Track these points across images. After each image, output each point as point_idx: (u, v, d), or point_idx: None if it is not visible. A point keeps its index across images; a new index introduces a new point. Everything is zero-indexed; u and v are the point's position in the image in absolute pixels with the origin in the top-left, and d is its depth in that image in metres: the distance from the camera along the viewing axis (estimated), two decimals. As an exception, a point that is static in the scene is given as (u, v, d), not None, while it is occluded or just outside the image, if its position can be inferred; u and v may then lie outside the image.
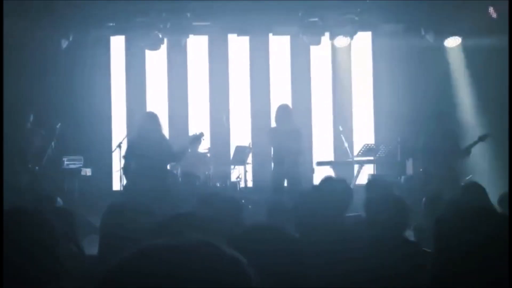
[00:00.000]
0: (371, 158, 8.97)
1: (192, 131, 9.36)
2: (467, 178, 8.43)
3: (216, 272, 1.02)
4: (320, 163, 9.29)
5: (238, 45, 10.27)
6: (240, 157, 9.04)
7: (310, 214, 3.25)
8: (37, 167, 7.62)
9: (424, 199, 4.66)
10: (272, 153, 8.12)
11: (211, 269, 1.02)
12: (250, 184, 9.19)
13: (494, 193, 5.02)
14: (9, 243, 1.78)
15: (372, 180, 5.92)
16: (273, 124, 8.24)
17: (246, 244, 1.78)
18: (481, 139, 7.74)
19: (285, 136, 7.73)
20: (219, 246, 1.06)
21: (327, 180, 4.60)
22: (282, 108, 8.14)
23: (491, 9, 8.71)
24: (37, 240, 1.82)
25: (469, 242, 1.63)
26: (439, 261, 1.68)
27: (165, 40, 9.75)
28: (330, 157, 9.86)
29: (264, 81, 10.28)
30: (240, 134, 9.99)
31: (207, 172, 8.95)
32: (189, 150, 8.64)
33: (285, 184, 7.92)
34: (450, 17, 9.28)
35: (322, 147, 10.15)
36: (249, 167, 9.23)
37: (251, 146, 9.08)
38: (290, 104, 8.89)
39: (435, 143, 7.67)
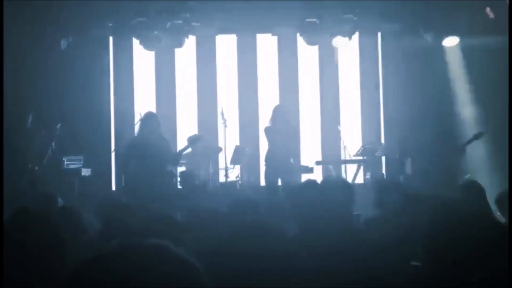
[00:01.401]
0: (370, 157, 8.99)
1: (192, 134, 9.42)
2: (466, 177, 8.46)
3: (167, 274, 1.07)
4: (319, 163, 9.32)
5: (241, 45, 10.29)
6: (238, 157, 9.08)
7: (314, 211, 3.27)
8: (37, 167, 7.64)
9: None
10: (266, 151, 8.10)
11: (162, 271, 1.07)
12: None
13: (491, 192, 5.03)
14: (15, 242, 1.80)
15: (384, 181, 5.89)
16: (267, 124, 8.22)
17: (238, 242, 1.80)
18: (476, 137, 7.77)
19: (282, 135, 7.75)
20: (173, 249, 1.12)
21: (328, 178, 4.64)
22: (279, 108, 8.18)
23: (488, 9, 8.76)
24: (43, 240, 1.83)
25: (463, 246, 1.64)
26: (433, 262, 1.70)
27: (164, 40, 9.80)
28: (318, 157, 9.85)
29: (263, 81, 10.31)
30: (228, 134, 9.97)
31: (206, 172, 9.00)
32: (190, 150, 8.70)
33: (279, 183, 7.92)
34: (448, 17, 9.32)
35: (312, 147, 10.13)
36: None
37: (247, 149, 9.16)
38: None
39: (432, 142, 7.71)
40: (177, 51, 10.10)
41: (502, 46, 8.41)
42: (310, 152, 9.90)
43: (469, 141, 7.78)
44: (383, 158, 9.54)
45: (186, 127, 9.94)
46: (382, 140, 9.93)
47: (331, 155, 9.69)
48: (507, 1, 8.34)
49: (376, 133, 10.06)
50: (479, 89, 9.44)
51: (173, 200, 7.03)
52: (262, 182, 8.99)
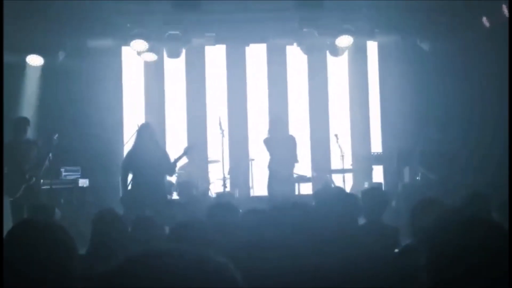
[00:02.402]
0: (368, 166, 9.00)
1: (189, 140, 9.43)
2: (463, 184, 8.45)
3: (202, 279, 1.04)
4: (317, 171, 9.31)
5: (237, 56, 10.32)
6: (237, 167, 9.10)
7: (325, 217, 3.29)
8: (34, 178, 7.61)
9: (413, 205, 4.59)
10: (269, 161, 8.13)
11: (197, 275, 1.04)
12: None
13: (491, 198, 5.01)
14: (23, 255, 1.78)
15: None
16: (266, 135, 8.24)
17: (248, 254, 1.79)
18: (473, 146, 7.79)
19: (281, 145, 7.77)
20: (205, 253, 1.08)
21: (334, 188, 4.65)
22: (276, 118, 8.20)
23: (484, 19, 8.81)
24: (52, 253, 1.82)
25: (466, 253, 1.63)
26: (434, 269, 1.69)
27: (162, 51, 9.84)
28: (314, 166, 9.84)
29: (263, 92, 10.34)
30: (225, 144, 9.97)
31: (205, 182, 9.00)
32: (187, 160, 8.67)
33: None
34: (444, 27, 9.36)
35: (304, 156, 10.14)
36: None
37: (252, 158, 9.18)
38: (268, 114, 9.12)
39: (431, 151, 7.71)
40: (167, 61, 10.12)
41: (498, 53, 8.44)
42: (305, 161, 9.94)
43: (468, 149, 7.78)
44: (382, 167, 9.55)
45: (175, 137, 9.95)
46: (380, 149, 9.94)
47: (322, 164, 9.70)
48: (504, 9, 8.38)
49: (366, 142, 10.05)
50: (477, 96, 9.46)
51: (170, 210, 7.02)
52: (253, 193, 9.04)
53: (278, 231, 3.12)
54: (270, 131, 8.09)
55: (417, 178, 8.22)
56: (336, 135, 9.28)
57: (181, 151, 7.94)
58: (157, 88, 10.23)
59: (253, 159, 9.17)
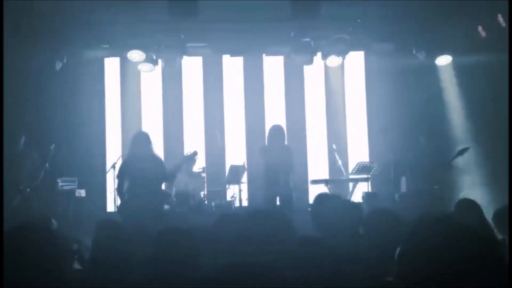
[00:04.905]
0: (365, 176, 9.00)
1: (187, 150, 9.40)
2: (461, 194, 8.46)
3: None
4: (314, 182, 9.31)
5: (233, 66, 10.36)
6: (234, 176, 9.05)
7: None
8: (29, 189, 7.59)
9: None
10: (264, 171, 8.12)
11: None
12: (245, 203, 9.18)
13: (485, 207, 5.01)
14: (19, 258, 1.79)
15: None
16: (266, 143, 8.27)
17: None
18: (460, 153, 7.80)
19: (276, 154, 7.76)
20: None
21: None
22: (274, 128, 8.21)
23: (480, 28, 8.86)
24: (47, 255, 1.82)
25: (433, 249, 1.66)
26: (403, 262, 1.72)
27: (160, 61, 9.87)
28: (325, 176, 9.87)
29: (259, 101, 10.36)
30: (236, 154, 10.02)
31: (201, 192, 8.97)
32: (184, 169, 8.65)
33: (278, 202, 7.90)
34: (440, 36, 9.41)
35: (317, 166, 10.19)
36: (244, 186, 9.22)
37: (245, 165, 9.11)
38: (284, 123, 9.05)
39: (424, 160, 7.72)
40: (182, 71, 10.15)
41: (493, 64, 8.48)
42: (316, 170, 9.96)
43: (454, 157, 7.81)
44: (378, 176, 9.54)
45: (192, 146, 9.92)
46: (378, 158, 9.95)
47: (332, 174, 9.72)
48: (500, 19, 8.43)
49: (377, 150, 10.07)
50: (471, 106, 9.50)
51: (168, 220, 6.99)
52: (247, 203, 9.04)
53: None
54: (269, 139, 8.09)
55: (413, 187, 8.23)
56: (334, 146, 9.33)
57: (183, 157, 7.92)
58: (174, 96, 10.18)
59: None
